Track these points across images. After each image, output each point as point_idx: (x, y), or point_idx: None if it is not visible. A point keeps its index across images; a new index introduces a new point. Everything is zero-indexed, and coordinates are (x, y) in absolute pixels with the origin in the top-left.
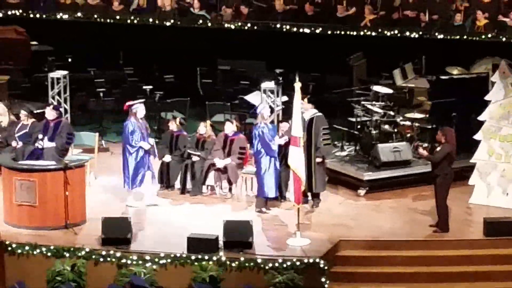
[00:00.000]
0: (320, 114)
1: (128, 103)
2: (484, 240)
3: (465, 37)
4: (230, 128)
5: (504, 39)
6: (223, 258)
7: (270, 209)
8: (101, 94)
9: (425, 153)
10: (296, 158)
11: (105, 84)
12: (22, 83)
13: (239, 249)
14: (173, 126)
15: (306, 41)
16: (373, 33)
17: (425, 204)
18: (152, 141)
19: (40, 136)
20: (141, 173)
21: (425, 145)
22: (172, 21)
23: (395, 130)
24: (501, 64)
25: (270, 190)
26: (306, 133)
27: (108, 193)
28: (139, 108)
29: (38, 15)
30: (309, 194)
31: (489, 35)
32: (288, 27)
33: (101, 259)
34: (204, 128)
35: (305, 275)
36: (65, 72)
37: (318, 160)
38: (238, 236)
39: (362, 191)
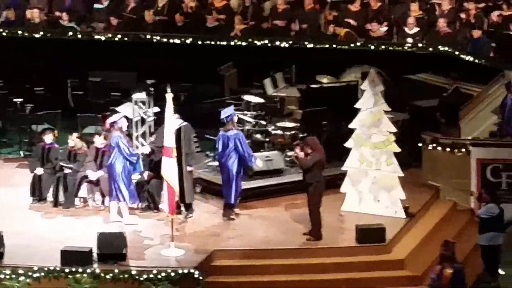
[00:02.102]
0: (186, 123)
1: (109, 120)
2: (357, 247)
3: (334, 45)
4: (99, 141)
5: (372, 47)
6: (98, 271)
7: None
8: None
9: (301, 154)
10: (169, 169)
11: None
12: None
13: (114, 261)
14: (47, 138)
15: (177, 51)
16: (244, 43)
17: (298, 213)
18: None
19: None
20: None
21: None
22: (41, 33)
23: (267, 139)
24: (370, 72)
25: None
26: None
27: None
28: (123, 121)
29: None
30: (181, 204)
31: (358, 44)
32: (158, 38)
33: None
34: (72, 142)
35: (180, 286)
36: None
37: (190, 168)
38: (112, 248)
39: None
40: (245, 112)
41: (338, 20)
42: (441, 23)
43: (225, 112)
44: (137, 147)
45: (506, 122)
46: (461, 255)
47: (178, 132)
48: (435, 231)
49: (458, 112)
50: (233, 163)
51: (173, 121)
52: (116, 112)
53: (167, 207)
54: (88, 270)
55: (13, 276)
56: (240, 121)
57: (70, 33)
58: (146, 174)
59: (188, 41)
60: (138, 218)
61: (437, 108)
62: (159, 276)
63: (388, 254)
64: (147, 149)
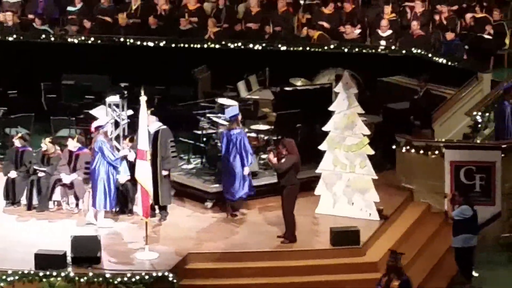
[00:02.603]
0: (165, 126)
1: (95, 124)
2: (331, 249)
3: (307, 48)
4: (72, 144)
5: (346, 50)
6: (72, 274)
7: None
8: None
9: (274, 160)
10: (143, 172)
11: None
12: None
13: (88, 264)
14: (17, 142)
15: (150, 54)
16: (217, 46)
17: (272, 215)
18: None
19: None
20: (110, 192)
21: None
22: (14, 36)
23: None
24: (344, 74)
25: (240, 191)
26: (152, 146)
27: None
28: (109, 126)
29: None
30: (156, 207)
31: (331, 46)
32: (131, 40)
33: None
34: (44, 145)
35: None
36: None
37: (165, 172)
38: (86, 251)
39: (209, 204)
40: (219, 115)
41: (311, 23)
42: (414, 25)
43: (229, 111)
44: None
45: (507, 128)
46: (435, 257)
47: (156, 135)
48: (409, 233)
49: (431, 114)
50: (237, 161)
51: (146, 124)
52: (90, 115)
53: (141, 210)
54: (62, 274)
55: None
56: (214, 124)
57: (43, 36)
58: (120, 177)
59: (161, 44)
60: (112, 221)
61: (410, 110)
62: (133, 279)
63: (362, 256)
64: (126, 152)
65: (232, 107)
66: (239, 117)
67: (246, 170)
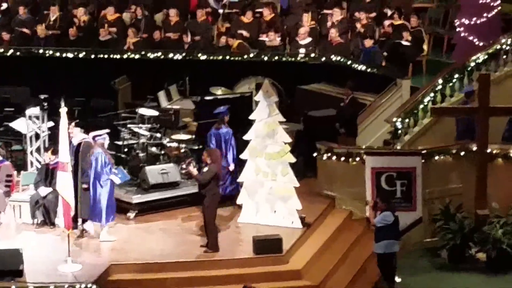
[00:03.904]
0: (88, 139)
1: (92, 134)
2: (254, 258)
3: (227, 57)
4: None
5: (265, 58)
6: None
7: None
8: None
9: (195, 171)
10: (64, 184)
11: None
12: None
13: (10, 277)
14: None
15: (70, 65)
16: (137, 56)
17: (195, 225)
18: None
19: None
20: (111, 206)
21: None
22: None
23: (162, 152)
24: (264, 83)
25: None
26: (74, 158)
27: None
28: (106, 138)
29: None
30: (80, 219)
31: (251, 55)
32: (51, 52)
33: None
34: None
35: None
36: None
37: (84, 185)
38: (9, 264)
39: (131, 214)
40: (140, 125)
41: (230, 32)
42: (333, 33)
43: (217, 110)
44: (32, 163)
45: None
46: (357, 264)
47: (78, 147)
48: (331, 240)
49: (357, 122)
50: (229, 160)
51: (66, 136)
52: (10, 127)
53: (63, 222)
54: None
55: None
56: (135, 134)
57: None
58: (42, 190)
59: (81, 55)
60: (34, 234)
61: (335, 118)
62: None
63: (285, 264)
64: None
65: (223, 106)
66: (226, 117)
67: (232, 167)
